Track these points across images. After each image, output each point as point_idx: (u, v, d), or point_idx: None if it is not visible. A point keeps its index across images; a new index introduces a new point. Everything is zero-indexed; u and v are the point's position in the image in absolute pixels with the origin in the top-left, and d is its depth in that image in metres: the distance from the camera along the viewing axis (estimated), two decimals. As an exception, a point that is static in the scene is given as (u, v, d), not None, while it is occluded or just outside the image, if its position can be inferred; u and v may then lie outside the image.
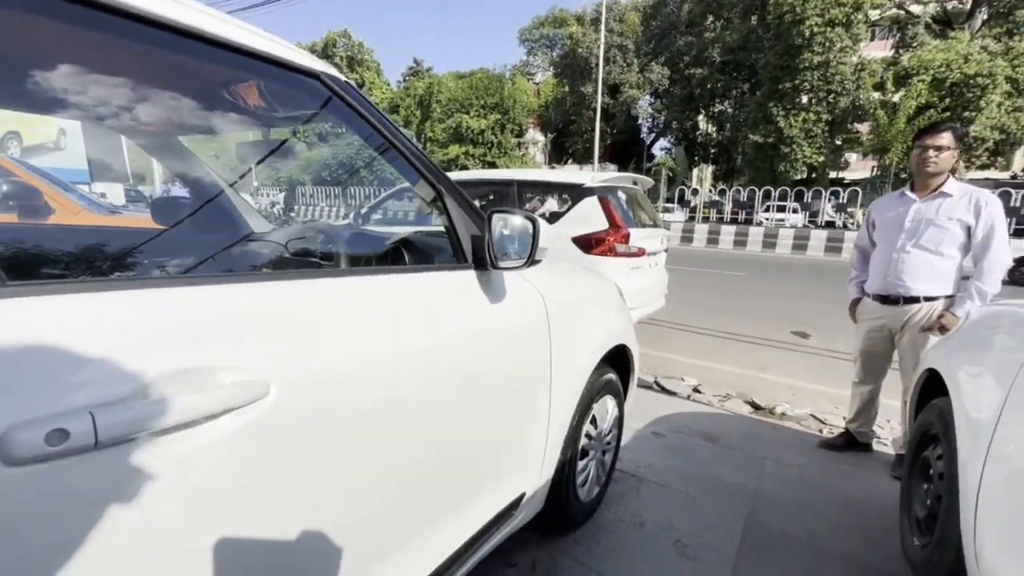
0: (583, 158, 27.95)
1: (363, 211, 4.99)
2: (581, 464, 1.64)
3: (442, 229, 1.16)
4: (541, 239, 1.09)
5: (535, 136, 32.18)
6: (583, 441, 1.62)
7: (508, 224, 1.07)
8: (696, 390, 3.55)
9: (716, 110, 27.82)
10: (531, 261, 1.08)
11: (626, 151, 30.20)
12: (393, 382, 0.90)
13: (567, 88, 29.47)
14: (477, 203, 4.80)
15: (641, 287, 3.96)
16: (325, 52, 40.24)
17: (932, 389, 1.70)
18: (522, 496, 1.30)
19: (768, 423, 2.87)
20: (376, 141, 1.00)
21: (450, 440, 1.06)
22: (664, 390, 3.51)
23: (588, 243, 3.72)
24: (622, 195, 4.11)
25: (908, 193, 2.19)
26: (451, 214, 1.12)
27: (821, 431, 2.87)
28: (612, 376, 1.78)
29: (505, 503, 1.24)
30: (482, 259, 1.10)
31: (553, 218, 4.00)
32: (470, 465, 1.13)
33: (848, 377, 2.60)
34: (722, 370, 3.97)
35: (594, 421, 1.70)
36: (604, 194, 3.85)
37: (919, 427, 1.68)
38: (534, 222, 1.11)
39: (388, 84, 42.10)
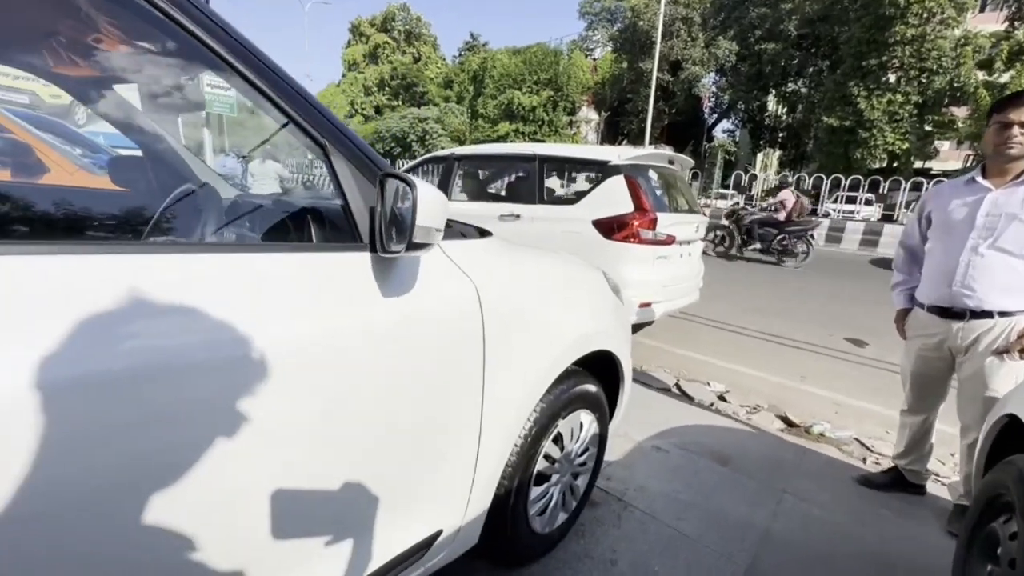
0: (637, 139, 26.69)
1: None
2: (538, 491, 1.38)
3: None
4: (428, 215, 0.80)
5: (588, 115, 31.07)
6: (540, 464, 1.35)
7: (412, 194, 0.79)
8: (722, 398, 3.15)
9: (788, 90, 25.62)
10: (410, 244, 0.80)
11: (684, 132, 28.54)
12: (232, 393, 0.67)
13: (625, 64, 28.08)
14: (502, 182, 4.50)
15: (668, 279, 3.56)
16: (384, 26, 40.49)
17: (1011, 440, 1.29)
18: (438, 533, 1.06)
19: (798, 446, 2.46)
20: (211, 60, 0.73)
21: (321, 466, 0.83)
22: (684, 395, 3.14)
23: (610, 227, 3.35)
24: (653, 175, 3.69)
25: (980, 180, 1.69)
26: (339, 177, 0.86)
27: (864, 460, 2.43)
28: (590, 387, 1.48)
29: (411, 543, 1.00)
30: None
31: (576, 198, 3.65)
32: (353, 497, 0.89)
33: (906, 398, 2.15)
34: (755, 376, 3.53)
35: (559, 440, 1.42)
36: (632, 173, 3.45)
37: (988, 488, 1.28)
38: (432, 193, 0.83)
39: (444, 59, 41.93)
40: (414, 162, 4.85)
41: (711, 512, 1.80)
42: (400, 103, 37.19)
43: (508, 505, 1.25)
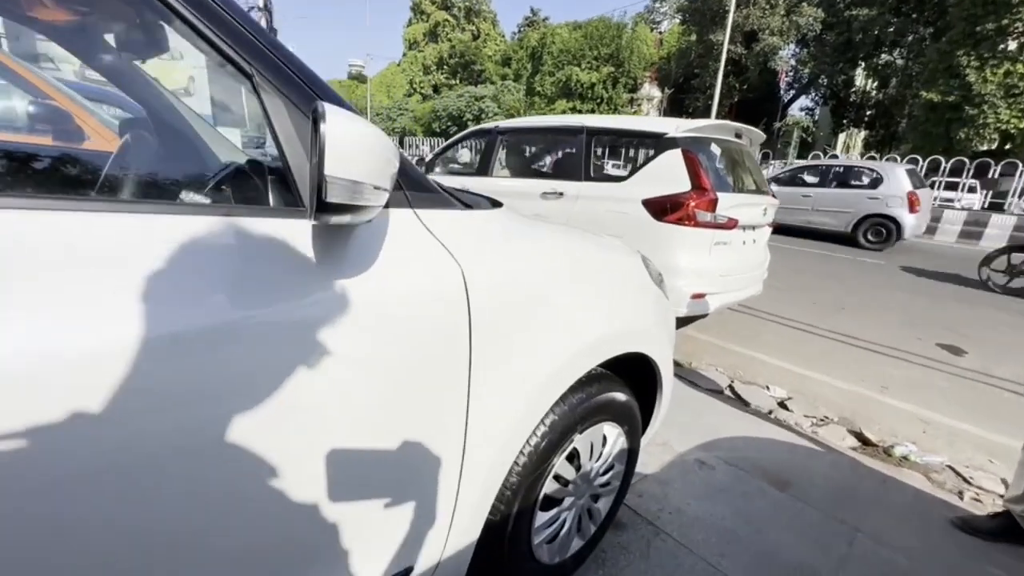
0: (703, 117, 25.07)
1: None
2: (545, 516, 1.15)
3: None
4: (346, 162, 0.55)
5: (651, 91, 29.53)
6: (550, 487, 1.12)
7: (319, 131, 0.56)
8: (783, 405, 2.77)
9: (880, 61, 22.94)
10: (320, 206, 0.56)
11: (756, 110, 26.45)
12: (118, 393, 0.50)
13: (694, 36, 26.27)
14: (547, 157, 4.22)
15: (727, 268, 3.16)
16: (444, 3, 40.33)
17: None
18: (408, 570, 0.86)
19: (876, 471, 2.07)
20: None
21: (240, 492, 0.64)
22: (738, 398, 2.79)
23: (662, 208, 3.00)
24: (716, 150, 3.26)
25: None
26: (272, 118, 0.65)
27: (961, 496, 2.01)
28: (618, 396, 1.23)
29: (370, 583, 0.81)
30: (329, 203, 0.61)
31: (626, 175, 3.31)
32: (288, 529, 0.70)
33: (1020, 420, 1.72)
34: (825, 383, 3.09)
35: (575, 457, 1.18)
36: (690, 147, 3.06)
37: None
38: (355, 129, 0.58)
39: (503, 36, 41.26)
40: (456, 136, 4.65)
41: (762, 550, 1.51)
42: (458, 82, 37.13)
43: (505, 535, 1.04)
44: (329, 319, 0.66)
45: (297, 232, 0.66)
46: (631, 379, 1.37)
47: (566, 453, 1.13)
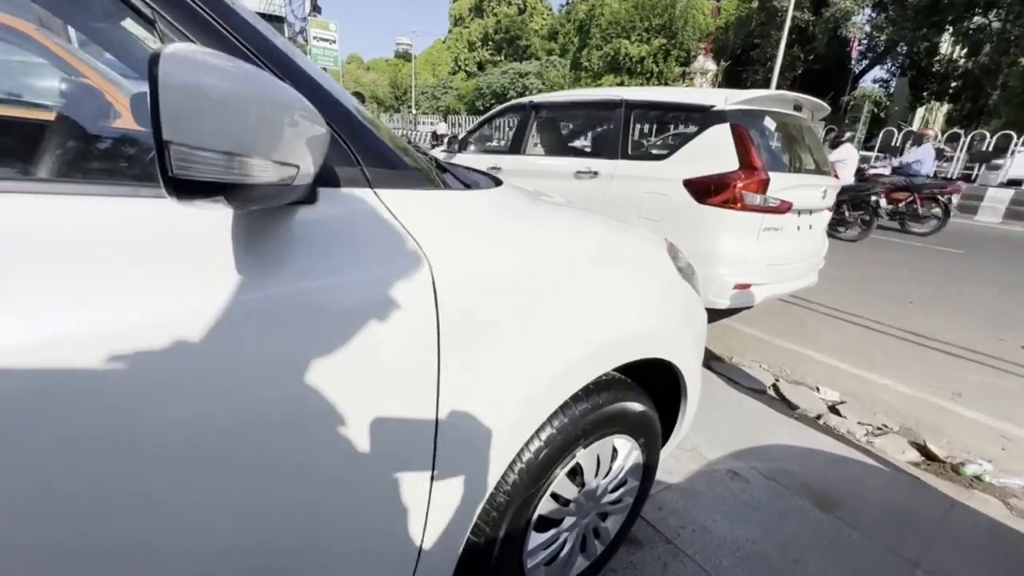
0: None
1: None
2: (541, 537, 1.03)
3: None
4: (186, 118, 0.41)
5: (705, 64, 27.83)
6: (547, 506, 0.99)
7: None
8: (834, 410, 2.50)
9: (972, 24, 20.45)
10: (170, 182, 0.42)
11: (822, 83, 24.38)
12: None
13: (755, 3, 24.39)
14: (583, 134, 4.00)
15: (777, 256, 2.87)
16: (490, -24, 39.42)
17: None
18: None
19: (943, 493, 1.81)
20: None
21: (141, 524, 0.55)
22: (783, 400, 2.54)
23: (704, 189, 2.73)
24: (770, 124, 2.93)
25: None
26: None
27: (1047, 529, 1.73)
28: (633, 406, 1.07)
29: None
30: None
31: (667, 152, 3.04)
32: (207, 560, 0.61)
33: None
34: (886, 386, 2.77)
35: (578, 474, 1.04)
36: (741, 121, 2.75)
37: None
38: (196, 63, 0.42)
39: (549, 9, 40.00)
40: (490, 113, 4.47)
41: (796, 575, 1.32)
42: (503, 58, 36.49)
43: (491, 559, 0.92)
44: (261, 319, 0.55)
45: (212, 218, 0.55)
46: (651, 382, 1.21)
47: (567, 468, 0.99)
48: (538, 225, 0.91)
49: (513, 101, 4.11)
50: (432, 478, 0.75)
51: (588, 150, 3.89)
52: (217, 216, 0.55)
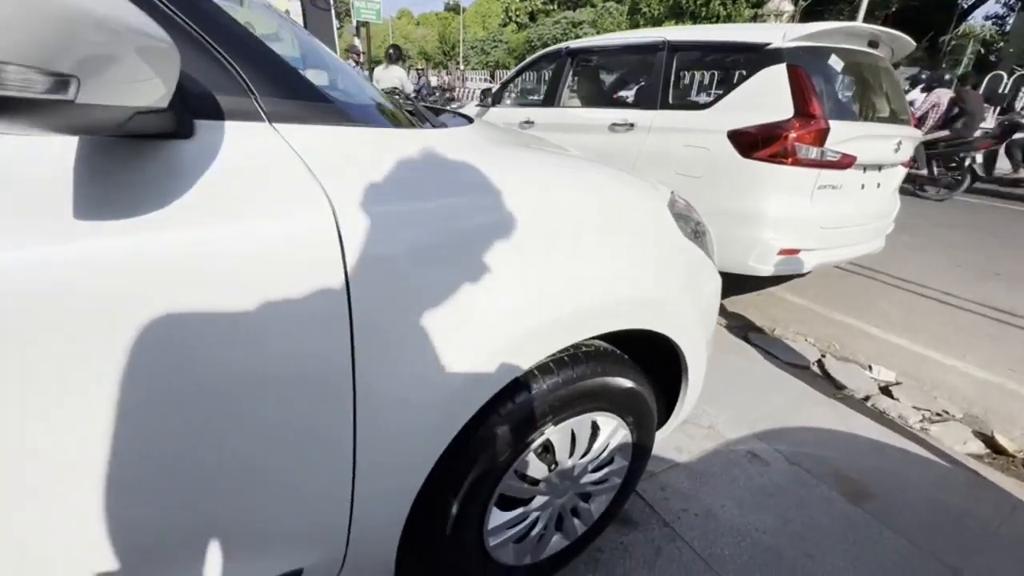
0: (845, 34, 20.75)
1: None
2: (506, 516, 0.95)
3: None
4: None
5: (780, 5, 25.03)
6: (511, 486, 0.91)
7: None
8: (887, 391, 2.25)
9: (1123, -58, 16.92)
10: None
11: (918, 22, 21.29)
12: None
13: (844, -71, 21.36)
14: (621, 82, 3.69)
15: (834, 218, 2.54)
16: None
17: None
18: (298, 572, 0.72)
19: (1007, 493, 1.58)
20: None
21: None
22: (827, 377, 2.31)
23: (751, 141, 2.43)
24: (836, 63, 2.52)
25: None
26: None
27: None
28: (618, 382, 0.95)
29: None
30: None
31: (711, 101, 2.72)
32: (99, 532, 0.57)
33: None
34: (953, 367, 2.45)
35: (548, 452, 0.95)
36: (800, 60, 2.39)
37: None
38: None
39: (608, -52, 37.08)
40: (524, 62, 4.20)
41: (810, 574, 1.19)
42: (555, 7, 34.59)
43: (443, 536, 0.86)
44: (111, 271, 0.48)
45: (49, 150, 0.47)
46: (652, 357, 1.08)
47: (534, 445, 0.90)
48: (498, 169, 0.78)
49: (548, 48, 3.83)
50: (355, 454, 0.67)
51: (626, 100, 3.58)
52: (57, 153, 0.47)
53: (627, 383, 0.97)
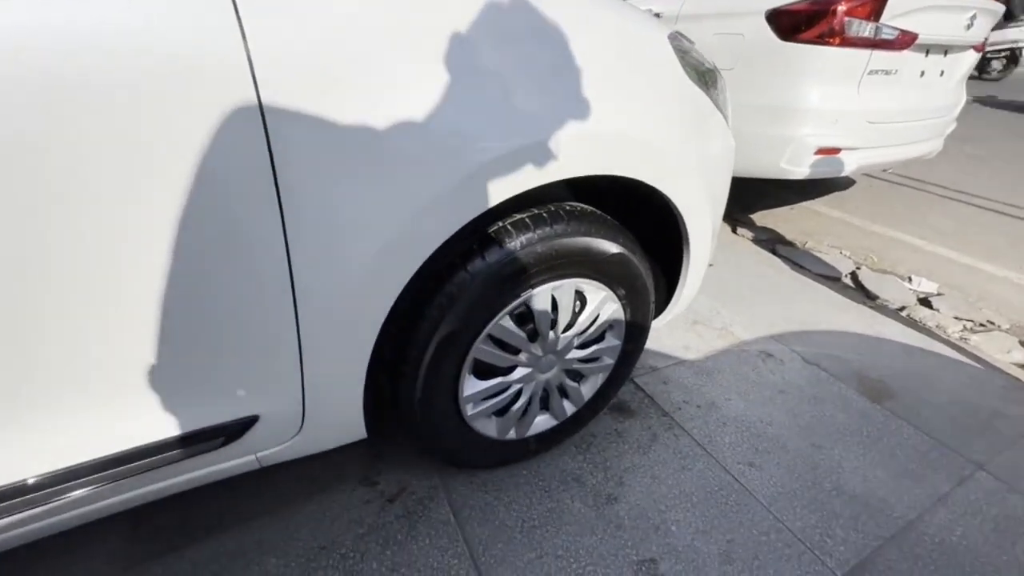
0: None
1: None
2: (482, 384, 0.91)
3: None
4: None
5: None
6: (486, 350, 0.85)
7: None
8: (926, 302, 2.08)
9: None
10: None
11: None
12: None
13: None
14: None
15: (885, 112, 2.25)
16: None
17: None
18: (251, 420, 0.70)
19: (1047, 398, 1.45)
20: None
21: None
22: (860, 288, 2.15)
23: (793, 21, 2.12)
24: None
25: None
26: None
27: None
28: (601, 245, 0.86)
29: (189, 428, 0.66)
30: None
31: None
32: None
33: None
34: (1005, 279, 2.24)
35: (528, 322, 0.88)
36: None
37: None
38: None
39: None
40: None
41: (812, 467, 1.13)
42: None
43: (413, 395, 0.83)
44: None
45: None
46: (647, 228, 0.98)
47: (508, 309, 0.83)
48: None
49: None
50: (292, 289, 0.62)
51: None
52: None
53: (614, 248, 0.88)
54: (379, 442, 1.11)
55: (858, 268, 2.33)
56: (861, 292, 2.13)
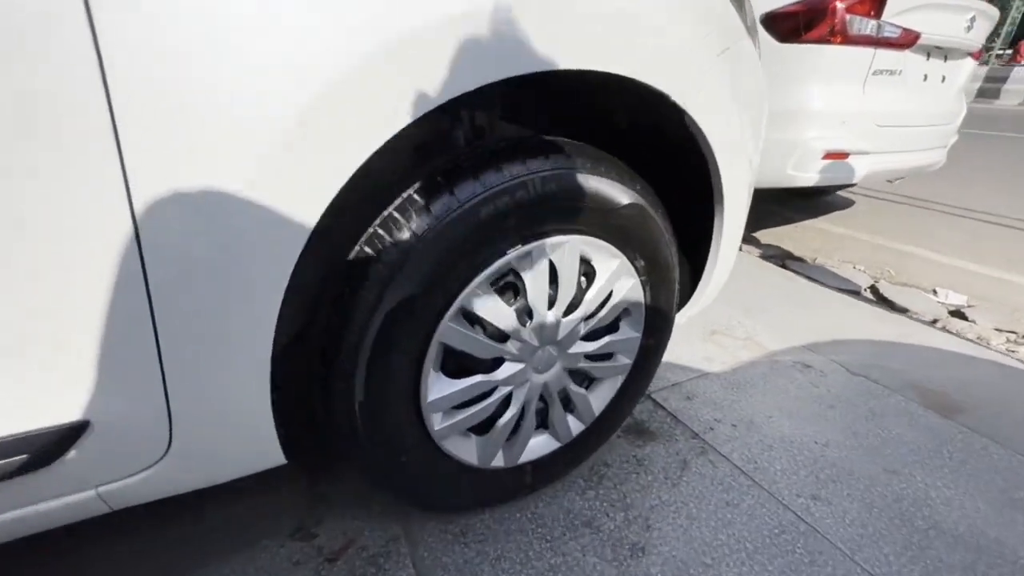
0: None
1: None
2: (456, 386, 0.65)
3: None
4: None
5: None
6: (457, 331, 0.60)
7: None
8: (959, 314, 1.87)
9: None
10: None
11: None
12: None
13: None
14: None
15: (892, 114, 2.13)
16: None
17: None
18: (82, 426, 0.43)
19: None
20: None
21: None
22: (881, 300, 1.95)
23: (793, 23, 2.03)
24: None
25: None
26: None
27: None
28: (610, 191, 0.64)
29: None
30: None
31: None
32: None
33: None
34: (1036, 289, 2.06)
35: (517, 296, 0.64)
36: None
37: None
38: None
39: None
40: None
41: (899, 500, 0.86)
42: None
43: (350, 402, 0.57)
44: None
45: None
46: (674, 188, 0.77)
47: (487, 273, 0.59)
48: None
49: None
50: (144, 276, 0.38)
51: None
52: None
53: (627, 196, 0.65)
54: (322, 475, 0.83)
55: (876, 281, 2.14)
56: (884, 305, 1.92)
